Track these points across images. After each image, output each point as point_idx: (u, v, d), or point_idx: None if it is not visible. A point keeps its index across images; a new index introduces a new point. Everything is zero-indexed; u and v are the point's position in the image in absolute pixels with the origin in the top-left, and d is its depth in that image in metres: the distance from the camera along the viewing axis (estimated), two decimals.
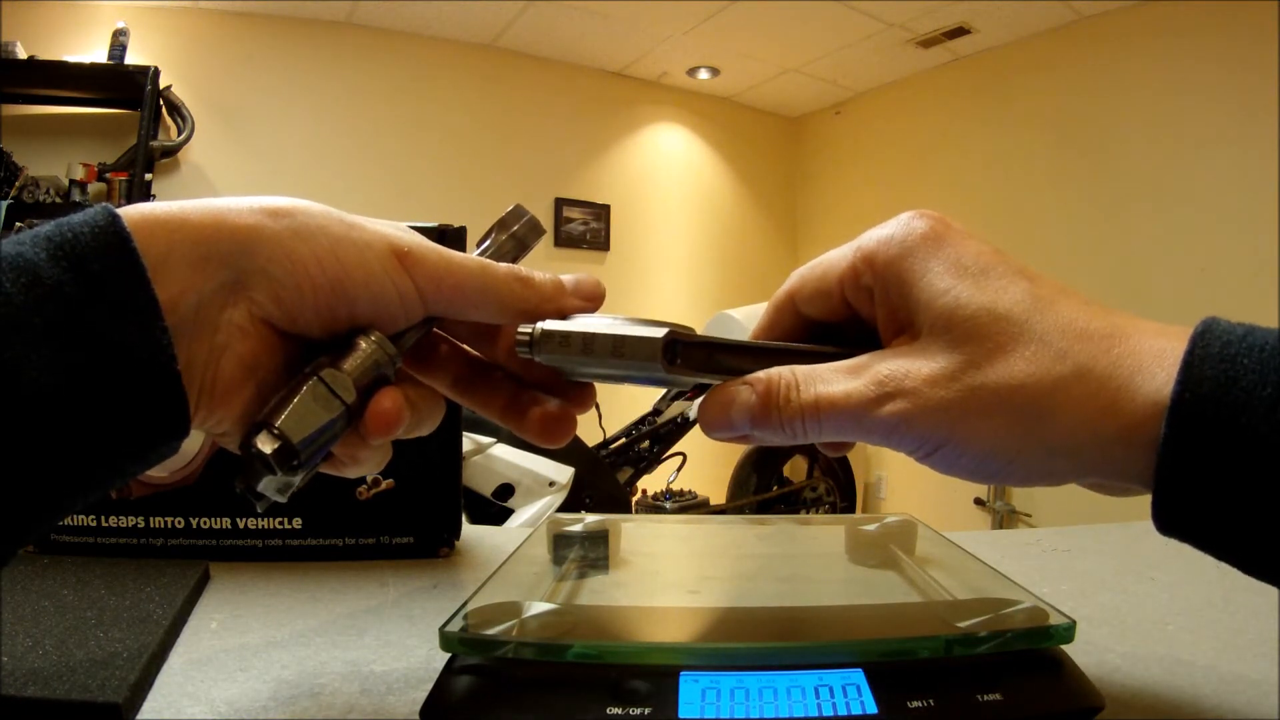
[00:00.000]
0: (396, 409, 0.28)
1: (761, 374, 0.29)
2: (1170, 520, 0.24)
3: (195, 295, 0.26)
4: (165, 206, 0.26)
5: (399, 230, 0.30)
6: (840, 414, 0.27)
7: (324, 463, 0.31)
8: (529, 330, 0.30)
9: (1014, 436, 0.26)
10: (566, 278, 0.32)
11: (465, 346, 0.33)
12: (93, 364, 0.23)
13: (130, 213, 0.25)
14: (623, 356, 0.29)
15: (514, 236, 0.33)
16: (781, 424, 0.28)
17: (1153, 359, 0.24)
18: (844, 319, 0.32)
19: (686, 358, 0.29)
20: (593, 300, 0.32)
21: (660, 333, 0.29)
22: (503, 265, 0.31)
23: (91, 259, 0.24)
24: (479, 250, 0.33)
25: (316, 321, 0.28)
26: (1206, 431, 0.23)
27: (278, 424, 0.27)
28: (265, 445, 0.26)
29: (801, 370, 0.29)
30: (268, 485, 0.28)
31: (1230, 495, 0.23)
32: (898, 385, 0.27)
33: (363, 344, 0.28)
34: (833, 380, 0.28)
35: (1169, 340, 0.25)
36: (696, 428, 2.63)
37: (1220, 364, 0.23)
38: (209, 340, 0.26)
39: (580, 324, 0.29)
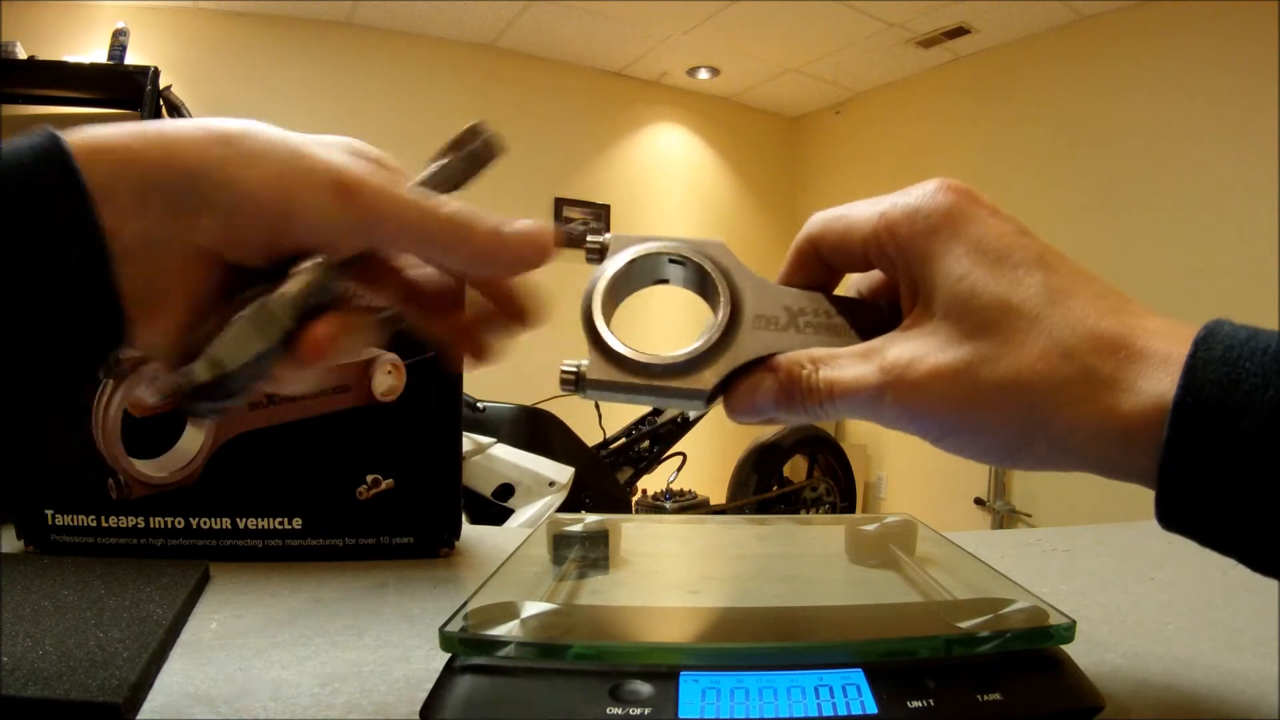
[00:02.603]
0: (330, 337, 0.28)
1: (781, 359, 0.30)
2: (1173, 519, 0.25)
3: (139, 223, 0.26)
4: (111, 133, 0.26)
5: (352, 158, 0.29)
6: (850, 399, 0.28)
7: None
8: (573, 371, 0.30)
9: (1018, 431, 0.26)
10: (512, 229, 0.30)
11: (405, 270, 0.32)
12: (31, 276, 0.24)
13: (74, 138, 0.25)
14: (666, 404, 0.30)
15: (469, 155, 0.32)
16: (804, 406, 0.29)
17: (1157, 363, 0.25)
18: (864, 272, 0.32)
19: (725, 384, 0.30)
20: (536, 260, 0.30)
21: (705, 386, 0.30)
22: (446, 209, 0.29)
23: (32, 185, 0.24)
24: (427, 170, 0.32)
25: (261, 249, 0.28)
26: (1208, 435, 0.23)
27: (215, 351, 0.27)
28: (203, 373, 0.27)
29: (819, 353, 0.29)
30: (204, 407, 0.28)
31: (1233, 496, 0.23)
32: (902, 374, 0.27)
33: (304, 270, 0.28)
34: (845, 365, 0.29)
35: (1175, 344, 0.25)
36: (696, 427, 2.64)
37: (1222, 368, 0.23)
38: (152, 265, 0.26)
39: (624, 376, 0.30)
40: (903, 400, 0.27)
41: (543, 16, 3.36)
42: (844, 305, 0.31)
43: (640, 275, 0.32)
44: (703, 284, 0.32)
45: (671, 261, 0.32)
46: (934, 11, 3.17)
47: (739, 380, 0.30)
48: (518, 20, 3.40)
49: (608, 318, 0.31)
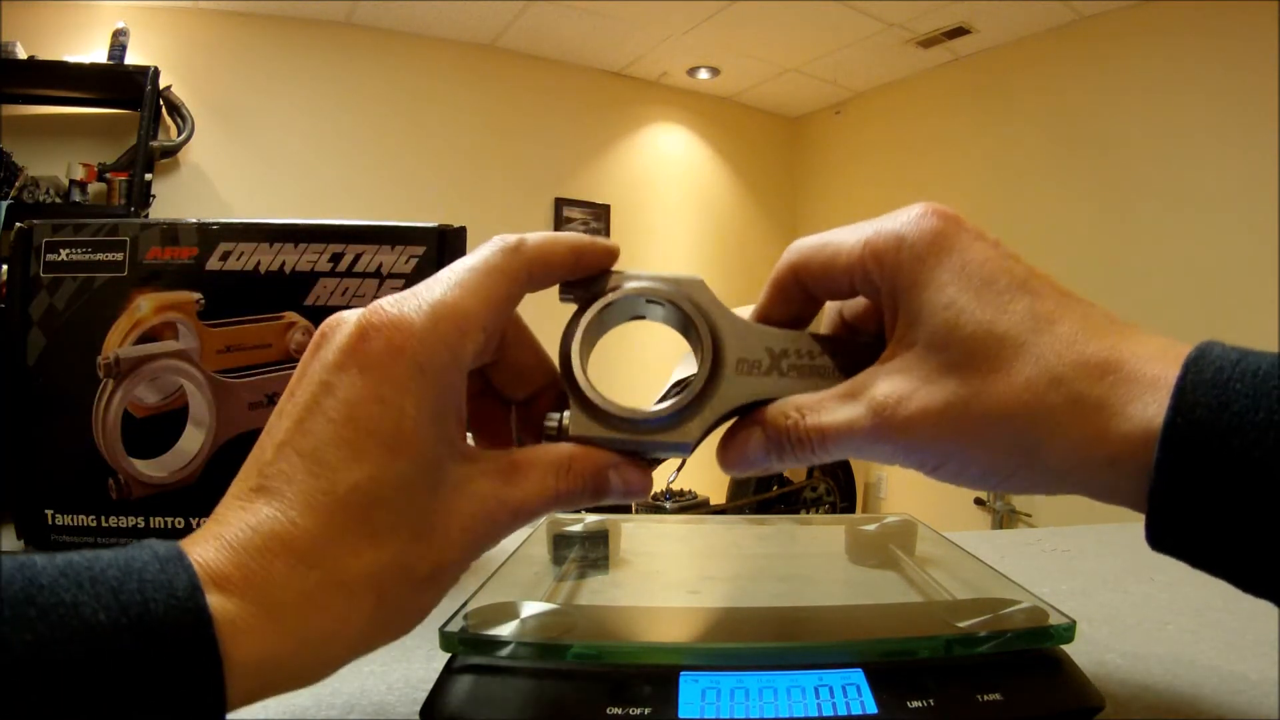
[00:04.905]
0: None
1: (767, 413, 0.30)
2: (1163, 540, 0.25)
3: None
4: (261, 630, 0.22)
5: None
6: (842, 441, 0.28)
7: None
8: (556, 425, 0.30)
9: (1008, 459, 0.26)
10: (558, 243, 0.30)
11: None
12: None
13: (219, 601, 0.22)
14: (655, 456, 0.30)
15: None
16: (796, 455, 0.29)
17: (1146, 386, 0.25)
18: (848, 300, 0.32)
19: (710, 432, 0.31)
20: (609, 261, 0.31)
21: (691, 439, 0.30)
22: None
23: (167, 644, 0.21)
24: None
25: None
26: (1199, 456, 0.23)
27: None
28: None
29: (803, 400, 0.29)
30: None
31: (1223, 517, 0.23)
32: (893, 412, 0.27)
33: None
34: (832, 408, 0.29)
35: (1165, 366, 0.25)
36: None
37: (1213, 390, 0.23)
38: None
39: (607, 431, 0.29)
40: (894, 438, 0.27)
41: (543, 16, 3.36)
42: (827, 344, 0.31)
43: (617, 314, 0.32)
44: (684, 324, 0.31)
45: (650, 301, 0.31)
46: (934, 11, 3.17)
47: (728, 436, 0.31)
48: (518, 20, 3.40)
49: (585, 356, 0.31)
